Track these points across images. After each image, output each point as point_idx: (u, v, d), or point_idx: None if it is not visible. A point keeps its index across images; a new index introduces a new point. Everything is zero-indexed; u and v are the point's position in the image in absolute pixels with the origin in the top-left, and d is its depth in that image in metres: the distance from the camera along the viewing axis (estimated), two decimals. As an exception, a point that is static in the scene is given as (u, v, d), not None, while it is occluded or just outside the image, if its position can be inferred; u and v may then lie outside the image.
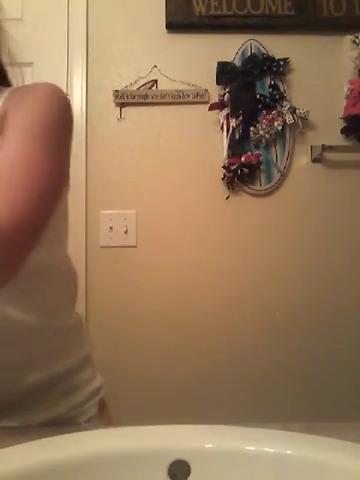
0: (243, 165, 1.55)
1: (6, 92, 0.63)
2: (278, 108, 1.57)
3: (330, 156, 1.60)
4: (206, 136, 1.61)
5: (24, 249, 0.53)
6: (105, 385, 0.73)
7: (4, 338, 0.59)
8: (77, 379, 0.67)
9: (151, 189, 1.59)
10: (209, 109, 1.59)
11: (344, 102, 1.59)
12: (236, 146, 1.57)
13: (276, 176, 1.60)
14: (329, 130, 1.61)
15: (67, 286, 0.70)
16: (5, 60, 0.71)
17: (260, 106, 1.57)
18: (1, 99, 0.62)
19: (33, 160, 0.54)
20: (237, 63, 1.60)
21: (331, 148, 1.55)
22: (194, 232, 1.59)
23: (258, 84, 1.60)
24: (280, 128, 1.57)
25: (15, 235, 0.50)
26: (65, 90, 1.61)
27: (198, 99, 1.60)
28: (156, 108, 1.62)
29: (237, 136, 1.58)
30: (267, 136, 1.57)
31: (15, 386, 0.60)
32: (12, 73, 0.72)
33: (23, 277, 0.57)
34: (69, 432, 0.44)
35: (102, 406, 0.71)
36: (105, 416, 0.71)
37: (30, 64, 1.61)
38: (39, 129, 0.57)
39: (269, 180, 1.60)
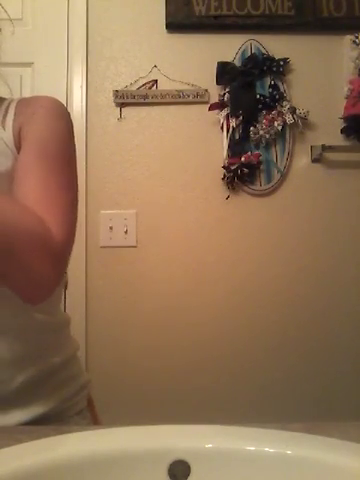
0: (243, 165, 1.55)
1: (12, 105, 0.67)
2: (278, 108, 1.57)
3: (330, 156, 1.60)
4: (206, 136, 1.61)
5: (69, 258, 0.61)
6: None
7: (3, 335, 0.62)
8: (67, 373, 0.70)
9: (151, 189, 1.59)
10: (209, 109, 1.59)
11: (344, 102, 1.59)
12: (236, 146, 1.57)
13: (276, 176, 1.60)
14: (329, 130, 1.61)
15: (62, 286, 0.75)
16: None
17: (260, 106, 1.57)
18: (10, 112, 0.66)
19: (60, 179, 0.61)
20: (237, 63, 1.60)
21: (331, 148, 1.55)
22: (194, 232, 1.59)
23: (258, 84, 1.60)
24: (280, 128, 1.57)
25: (67, 247, 0.59)
26: (65, 90, 1.61)
27: (198, 99, 1.60)
28: (156, 108, 1.62)
29: (237, 136, 1.58)
30: (267, 136, 1.57)
31: (13, 381, 0.63)
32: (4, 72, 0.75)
33: None
34: (67, 431, 0.44)
35: (89, 401, 0.75)
36: (92, 411, 0.75)
37: (30, 64, 1.62)
38: (59, 148, 0.64)
39: (269, 180, 1.60)
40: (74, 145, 0.68)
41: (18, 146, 0.64)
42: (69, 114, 0.69)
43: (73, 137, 0.68)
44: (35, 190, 0.59)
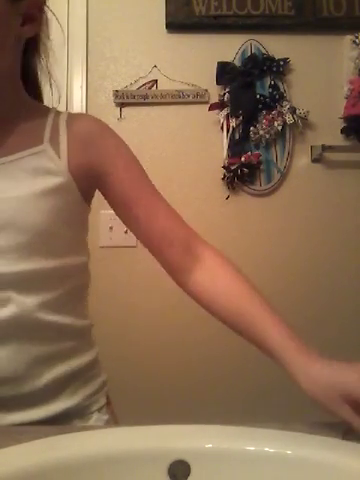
0: (243, 165, 1.55)
1: (62, 117, 0.69)
2: (278, 108, 1.57)
3: (330, 156, 1.60)
4: (206, 136, 1.61)
5: None
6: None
7: (37, 335, 0.65)
8: (91, 373, 0.73)
9: (151, 189, 1.59)
10: (209, 109, 1.59)
11: (344, 102, 1.59)
12: (236, 146, 1.57)
13: (276, 176, 1.60)
14: (329, 130, 1.61)
15: (86, 288, 0.81)
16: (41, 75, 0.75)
17: (260, 106, 1.57)
18: (62, 124, 0.68)
19: (163, 198, 0.76)
20: (237, 63, 1.60)
21: (331, 148, 1.55)
22: (194, 232, 1.59)
23: (258, 84, 1.60)
24: (280, 128, 1.57)
25: None
26: (65, 90, 1.61)
27: (198, 99, 1.60)
28: (156, 108, 1.61)
29: (237, 136, 1.58)
30: (267, 136, 1.57)
31: (41, 377, 0.65)
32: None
33: (56, 281, 0.67)
34: (68, 432, 0.44)
35: (108, 399, 0.78)
36: (110, 407, 0.78)
37: (30, 64, 1.61)
38: (138, 162, 0.78)
39: (269, 180, 1.60)
40: None
41: (74, 172, 0.67)
42: None
43: None
44: (167, 208, 0.74)
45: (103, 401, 0.74)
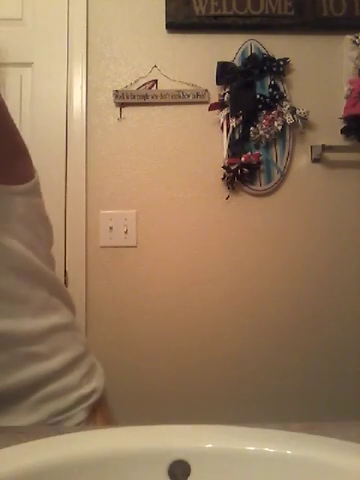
0: (243, 165, 1.55)
1: None
2: (278, 108, 1.57)
3: (330, 156, 1.60)
4: (206, 136, 1.61)
5: None
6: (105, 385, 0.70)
7: None
8: (61, 384, 0.62)
9: (151, 189, 1.59)
10: (209, 109, 1.59)
11: (344, 102, 1.59)
12: (236, 146, 1.57)
13: (276, 176, 1.60)
14: (329, 130, 1.61)
15: (48, 288, 0.66)
16: None
17: (260, 106, 1.57)
18: None
19: None
20: (237, 63, 1.60)
21: (331, 148, 1.55)
22: (194, 232, 1.59)
23: (258, 84, 1.60)
24: (280, 128, 1.57)
25: None
26: (65, 90, 1.61)
27: (198, 99, 1.60)
28: (156, 108, 1.62)
29: (237, 136, 1.58)
30: (267, 136, 1.57)
31: None
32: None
33: (8, 285, 0.58)
34: (67, 431, 0.43)
35: (95, 410, 0.67)
36: (100, 420, 0.67)
37: (30, 64, 1.62)
38: None
39: (269, 180, 1.60)
40: None
41: None
42: None
43: None
44: None
45: (81, 417, 0.63)
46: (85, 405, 0.64)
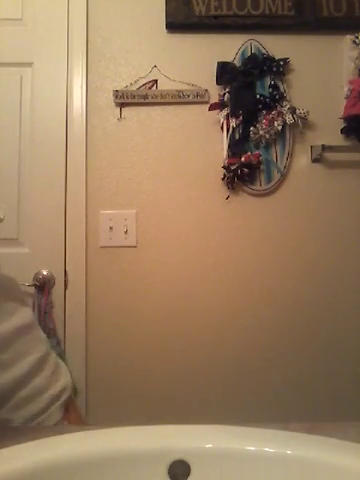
0: (243, 165, 1.55)
1: None
2: (278, 108, 1.57)
3: (330, 156, 1.60)
4: (206, 136, 1.61)
5: None
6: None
7: None
8: (30, 389, 0.60)
9: (151, 189, 1.59)
10: (209, 109, 1.59)
11: (344, 102, 1.59)
12: (236, 146, 1.57)
13: (276, 176, 1.60)
14: (329, 130, 1.61)
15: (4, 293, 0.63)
16: None
17: (260, 106, 1.57)
18: None
19: None
20: (237, 63, 1.60)
21: (331, 148, 1.55)
22: (194, 232, 1.59)
23: (258, 84, 1.60)
24: (280, 128, 1.56)
25: None
26: (65, 90, 1.61)
27: (198, 99, 1.60)
28: (156, 108, 1.62)
29: (237, 136, 1.58)
30: (267, 136, 1.57)
31: None
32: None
33: None
34: (67, 431, 0.43)
35: (67, 407, 0.66)
36: (72, 418, 0.66)
37: (30, 64, 1.62)
38: None
39: (269, 180, 1.60)
40: None
41: None
42: None
43: None
44: None
45: (57, 417, 0.62)
46: (58, 404, 0.63)
